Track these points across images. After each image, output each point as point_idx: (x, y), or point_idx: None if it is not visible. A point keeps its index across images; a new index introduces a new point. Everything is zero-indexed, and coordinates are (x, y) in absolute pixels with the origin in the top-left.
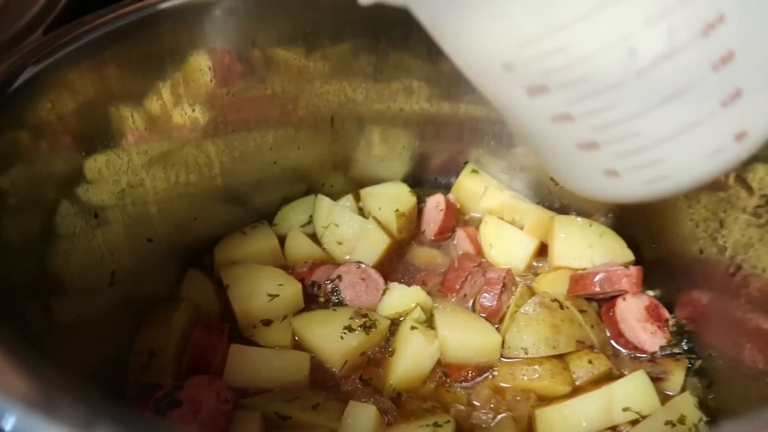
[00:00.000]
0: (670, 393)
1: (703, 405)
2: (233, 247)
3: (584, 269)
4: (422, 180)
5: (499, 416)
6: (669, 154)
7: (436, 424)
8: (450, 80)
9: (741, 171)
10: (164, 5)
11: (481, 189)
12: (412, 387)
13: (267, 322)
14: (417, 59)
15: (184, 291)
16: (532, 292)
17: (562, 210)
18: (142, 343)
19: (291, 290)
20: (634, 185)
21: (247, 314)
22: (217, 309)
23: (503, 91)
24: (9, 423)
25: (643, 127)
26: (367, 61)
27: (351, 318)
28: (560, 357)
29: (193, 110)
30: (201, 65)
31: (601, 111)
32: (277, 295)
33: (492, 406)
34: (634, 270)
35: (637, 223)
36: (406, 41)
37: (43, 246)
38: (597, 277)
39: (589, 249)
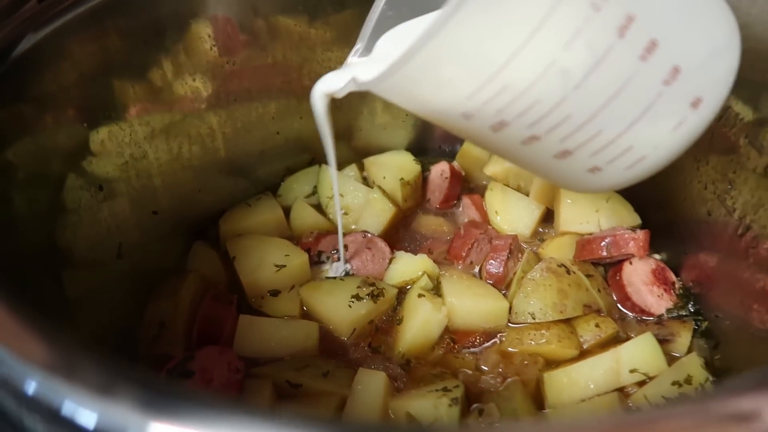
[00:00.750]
0: (677, 354)
1: (709, 365)
2: (238, 218)
3: (591, 234)
4: (426, 148)
5: (508, 380)
6: (635, 139)
7: (445, 389)
8: None
9: (751, 131)
10: None
11: (485, 156)
12: (420, 353)
13: (275, 293)
14: None
15: (191, 263)
16: (538, 258)
17: None
18: (152, 315)
19: (297, 261)
20: (619, 173)
21: (255, 285)
22: (224, 280)
23: (473, 132)
24: (31, 387)
25: (602, 125)
26: None
27: (359, 287)
28: (567, 321)
29: (194, 80)
30: (202, 34)
31: (559, 125)
32: (284, 266)
33: (500, 370)
34: (641, 233)
35: (644, 187)
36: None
37: (51, 219)
38: (604, 242)
39: (595, 214)
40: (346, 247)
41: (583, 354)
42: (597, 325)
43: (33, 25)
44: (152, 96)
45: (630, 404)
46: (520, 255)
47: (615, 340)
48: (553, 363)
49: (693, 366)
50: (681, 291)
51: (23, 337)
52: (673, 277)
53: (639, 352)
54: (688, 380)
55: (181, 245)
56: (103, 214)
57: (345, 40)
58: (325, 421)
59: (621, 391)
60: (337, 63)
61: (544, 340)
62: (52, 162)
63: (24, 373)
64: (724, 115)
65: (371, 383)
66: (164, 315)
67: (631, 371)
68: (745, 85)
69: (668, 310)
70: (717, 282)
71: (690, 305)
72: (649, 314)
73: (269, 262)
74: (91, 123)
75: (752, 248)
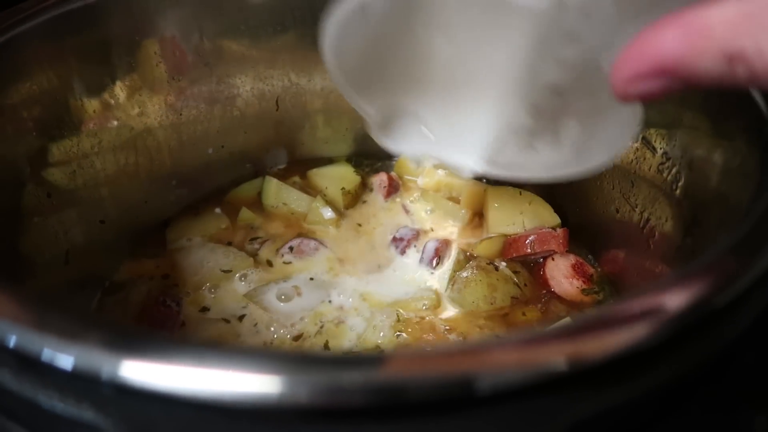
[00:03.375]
0: None
1: None
2: (185, 227)
3: (516, 234)
4: (367, 157)
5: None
6: None
7: None
8: None
9: (645, 133)
10: None
11: (420, 166)
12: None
13: (220, 295)
14: None
15: (136, 270)
16: (469, 258)
17: (496, 180)
18: None
19: (243, 265)
20: None
21: (200, 288)
22: (170, 284)
23: None
24: (11, 341)
25: None
26: (309, 47)
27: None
28: (498, 312)
29: (142, 96)
30: (150, 53)
31: None
32: (230, 270)
33: None
34: (560, 231)
35: (562, 190)
36: None
37: (11, 224)
38: (528, 240)
39: (520, 215)
40: (291, 248)
41: None
42: (523, 314)
43: None
44: (103, 111)
45: None
46: (449, 255)
47: (539, 326)
48: None
49: None
50: (597, 281)
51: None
52: (591, 269)
53: None
54: None
55: (128, 253)
56: (51, 221)
57: (287, 59)
58: (286, 355)
59: None
60: (279, 80)
61: (477, 329)
62: (11, 169)
63: (4, 330)
64: None
65: None
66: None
67: None
68: None
69: (584, 290)
70: (628, 272)
71: (603, 293)
72: (570, 303)
73: (215, 267)
74: (41, 133)
75: (651, 238)
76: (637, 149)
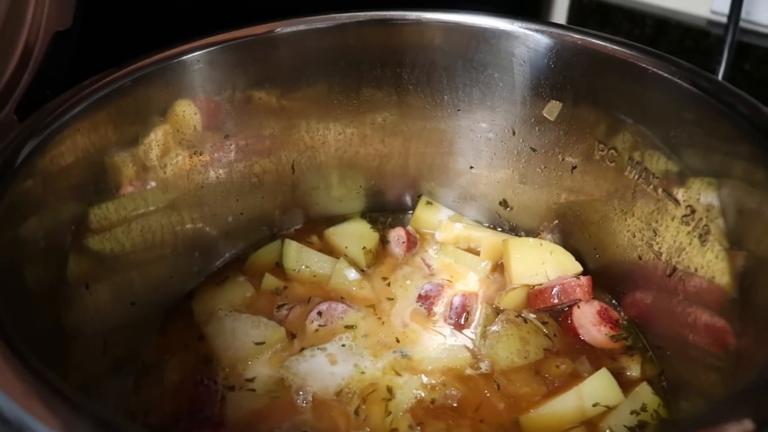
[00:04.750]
0: (630, 384)
1: (658, 389)
2: (209, 298)
3: (540, 284)
4: (381, 211)
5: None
6: None
7: None
8: (399, 125)
9: (666, 186)
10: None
11: (436, 220)
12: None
13: (257, 368)
14: (371, 107)
15: (168, 349)
16: (496, 312)
17: (512, 230)
18: (137, 406)
19: (276, 336)
20: None
21: (236, 363)
22: (203, 360)
23: None
24: None
25: None
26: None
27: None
28: (531, 365)
29: (165, 171)
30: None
31: None
32: (263, 342)
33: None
34: (584, 279)
35: (580, 238)
36: (374, 91)
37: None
38: (554, 290)
39: (542, 266)
40: (320, 313)
41: (549, 394)
42: (557, 366)
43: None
44: (129, 185)
45: None
46: (477, 308)
47: (575, 377)
48: (521, 406)
49: (645, 394)
50: (624, 326)
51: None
52: (616, 315)
53: (598, 387)
54: (644, 408)
55: (157, 331)
56: (89, 311)
57: (299, 123)
58: None
59: (587, 424)
60: (295, 144)
61: (516, 385)
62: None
63: None
64: (642, 175)
65: None
66: (148, 405)
67: (594, 405)
68: (655, 147)
69: (613, 337)
70: (654, 317)
71: (631, 338)
72: (600, 350)
73: (247, 340)
74: (77, 224)
75: (680, 285)
76: (660, 200)
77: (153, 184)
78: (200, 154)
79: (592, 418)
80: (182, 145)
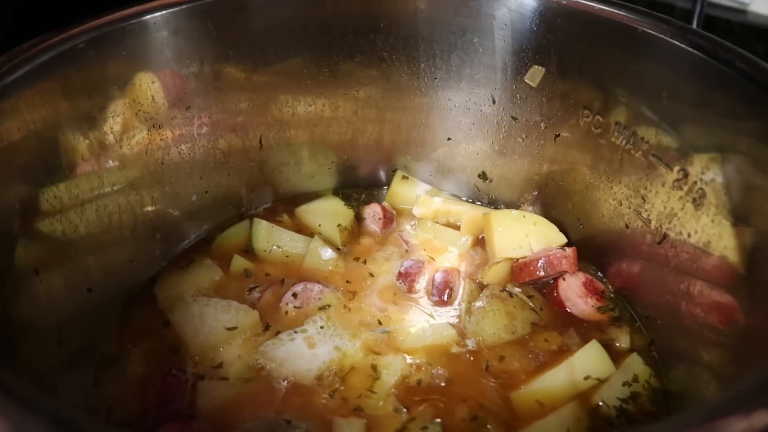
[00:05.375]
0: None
1: (648, 359)
2: (175, 283)
3: (524, 257)
4: (354, 188)
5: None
6: None
7: (424, 428)
8: (373, 95)
9: (658, 150)
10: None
11: (413, 195)
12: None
13: (229, 355)
14: (343, 77)
15: (131, 338)
16: (480, 287)
17: (492, 203)
18: (97, 402)
19: (248, 320)
20: None
21: (206, 350)
22: (170, 349)
23: None
24: None
25: None
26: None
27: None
28: (519, 341)
29: (122, 146)
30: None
31: None
32: (235, 327)
33: (464, 400)
34: (570, 251)
35: (563, 209)
36: (347, 60)
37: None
38: (540, 263)
39: (526, 238)
40: (295, 295)
41: (539, 369)
42: (546, 340)
43: None
44: (84, 163)
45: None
46: (460, 283)
47: (563, 352)
48: (511, 383)
49: (636, 365)
50: (610, 297)
51: None
52: (601, 286)
53: (589, 359)
54: (635, 379)
55: (118, 320)
56: (41, 298)
57: (269, 91)
58: None
59: (580, 398)
60: (262, 116)
61: (505, 361)
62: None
63: None
64: (630, 140)
65: None
66: (111, 400)
67: (586, 378)
68: (645, 111)
69: (600, 308)
70: (642, 286)
71: (618, 309)
72: (588, 323)
73: (218, 325)
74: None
75: (671, 253)
76: (649, 165)
77: (110, 162)
78: (160, 128)
79: (584, 391)
80: (142, 120)
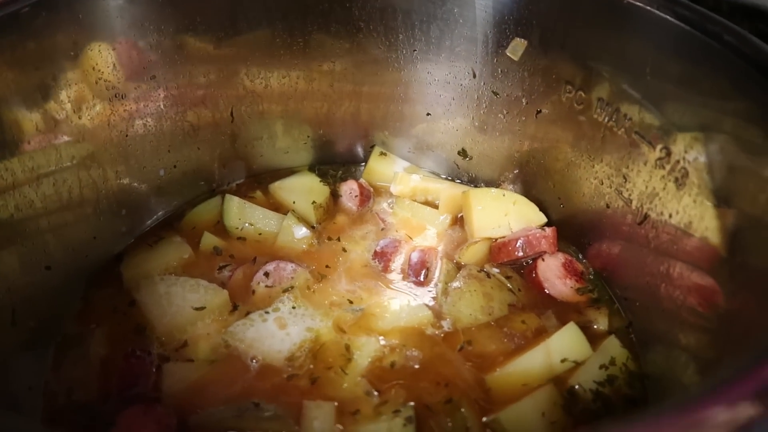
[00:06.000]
0: (598, 337)
1: (626, 342)
2: (142, 261)
3: (503, 237)
4: (331, 164)
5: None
6: None
7: (396, 411)
8: (349, 68)
9: (641, 128)
10: None
11: (391, 172)
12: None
13: (196, 335)
14: (318, 48)
15: (93, 319)
16: (458, 267)
17: (471, 181)
18: (56, 384)
19: (217, 300)
20: None
21: (173, 331)
22: (135, 329)
23: None
24: None
25: None
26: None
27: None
28: (495, 322)
29: (80, 117)
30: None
31: None
32: (203, 307)
33: (438, 382)
34: (550, 231)
35: (544, 188)
36: (321, 30)
37: None
38: (519, 243)
39: (505, 217)
40: (267, 274)
41: (515, 351)
42: (523, 322)
43: None
44: (36, 137)
45: (566, 393)
46: (437, 263)
47: (540, 333)
48: (487, 366)
49: (614, 348)
50: (591, 278)
51: None
52: (580, 267)
53: (566, 342)
54: (612, 361)
55: (79, 298)
56: None
57: (240, 63)
58: None
59: (556, 381)
60: (234, 88)
61: (481, 343)
62: None
63: None
64: (613, 116)
65: (321, 415)
66: (71, 382)
67: (562, 361)
68: (629, 87)
69: (579, 290)
70: (622, 267)
71: (597, 290)
72: (566, 304)
73: (185, 305)
74: None
75: (652, 234)
76: (631, 143)
77: (68, 134)
78: (123, 99)
79: (561, 374)
80: (102, 89)
